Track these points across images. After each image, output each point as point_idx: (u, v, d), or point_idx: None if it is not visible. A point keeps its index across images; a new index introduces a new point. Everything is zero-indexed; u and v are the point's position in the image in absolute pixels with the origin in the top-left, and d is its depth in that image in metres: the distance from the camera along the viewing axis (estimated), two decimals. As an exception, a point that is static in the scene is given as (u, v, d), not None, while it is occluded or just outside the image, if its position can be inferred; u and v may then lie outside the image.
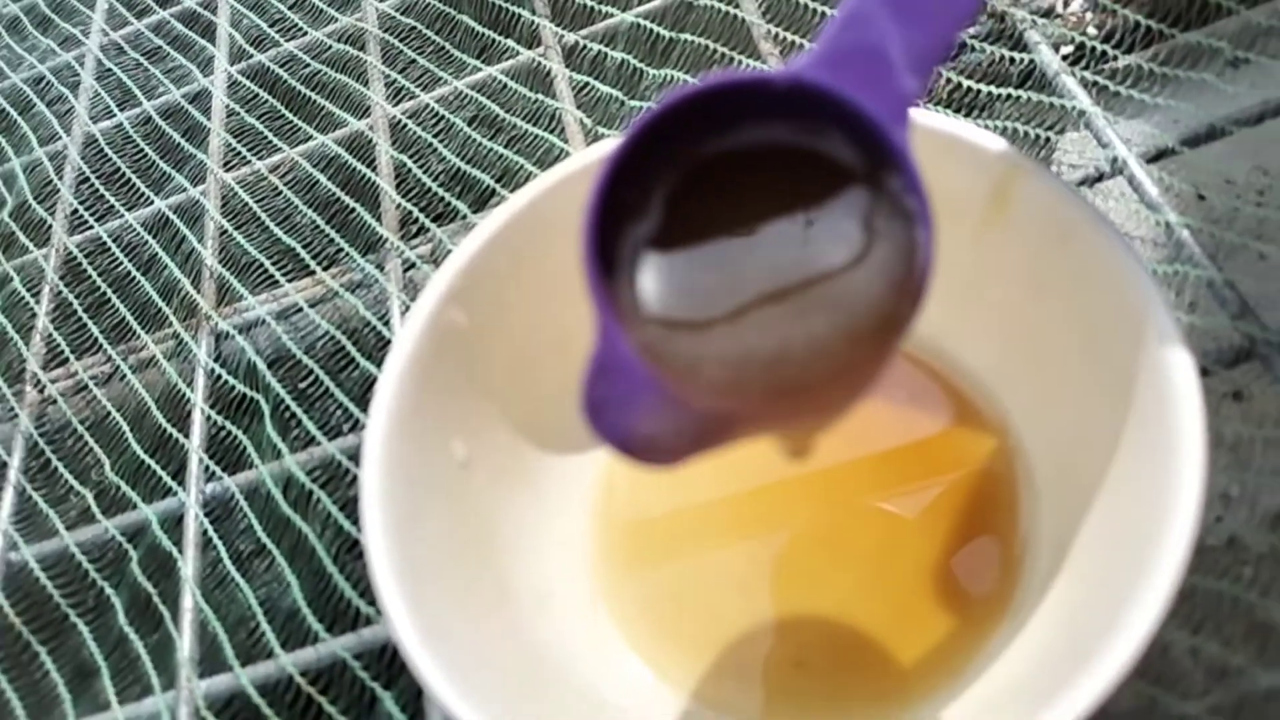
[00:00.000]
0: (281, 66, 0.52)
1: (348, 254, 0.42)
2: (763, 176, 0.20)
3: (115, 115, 0.54)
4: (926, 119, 0.27)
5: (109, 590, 0.36)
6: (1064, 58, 0.37)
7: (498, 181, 0.42)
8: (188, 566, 0.35)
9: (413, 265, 0.40)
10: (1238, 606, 0.27)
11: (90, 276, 0.46)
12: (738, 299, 0.19)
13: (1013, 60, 0.38)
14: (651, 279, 0.19)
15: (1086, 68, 0.37)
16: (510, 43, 0.47)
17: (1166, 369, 0.23)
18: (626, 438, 0.20)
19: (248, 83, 0.52)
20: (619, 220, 0.19)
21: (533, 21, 0.47)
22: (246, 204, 0.46)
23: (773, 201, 0.19)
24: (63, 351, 0.44)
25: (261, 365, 0.40)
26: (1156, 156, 0.34)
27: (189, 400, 0.39)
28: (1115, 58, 0.37)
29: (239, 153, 0.48)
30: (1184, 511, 0.21)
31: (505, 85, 0.46)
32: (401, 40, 0.50)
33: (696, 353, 0.19)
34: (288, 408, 0.38)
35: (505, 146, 0.43)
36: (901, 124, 0.19)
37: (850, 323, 0.19)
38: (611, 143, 0.19)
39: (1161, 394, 0.23)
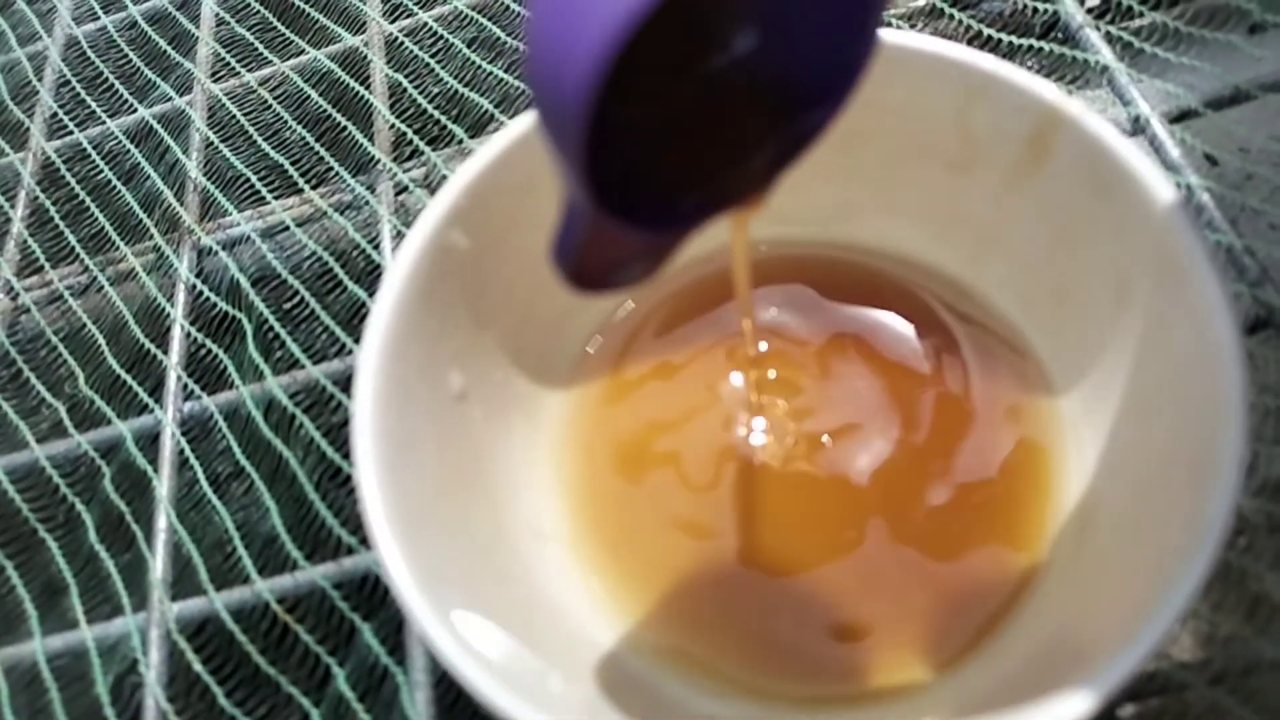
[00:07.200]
0: (275, -24, 0.50)
1: (338, 174, 0.40)
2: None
3: (100, 18, 0.51)
4: (962, 53, 0.26)
5: (80, 506, 0.35)
6: (1089, 11, 0.36)
7: (496, 107, 0.40)
8: (163, 486, 0.34)
9: (405, 189, 0.39)
10: (1245, 577, 0.26)
11: (69, 183, 0.44)
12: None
13: (1035, 10, 0.37)
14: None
15: (1111, 22, 0.36)
16: (515, -37, 0.46)
17: (1209, 327, 0.22)
18: (610, 287, 0.22)
19: (239, -9, 0.50)
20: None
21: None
22: (234, 117, 0.44)
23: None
24: (38, 259, 0.42)
25: (245, 283, 0.38)
26: (1180, 117, 0.33)
27: (169, 315, 0.38)
28: (1141, 13, 0.36)
29: (228, 63, 0.46)
30: (1225, 474, 0.20)
31: (508, 7, 0.44)
32: (401, -45, 0.48)
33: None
34: (271, 328, 0.37)
35: (505, 71, 0.42)
36: None
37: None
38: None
39: (1202, 351, 0.22)
